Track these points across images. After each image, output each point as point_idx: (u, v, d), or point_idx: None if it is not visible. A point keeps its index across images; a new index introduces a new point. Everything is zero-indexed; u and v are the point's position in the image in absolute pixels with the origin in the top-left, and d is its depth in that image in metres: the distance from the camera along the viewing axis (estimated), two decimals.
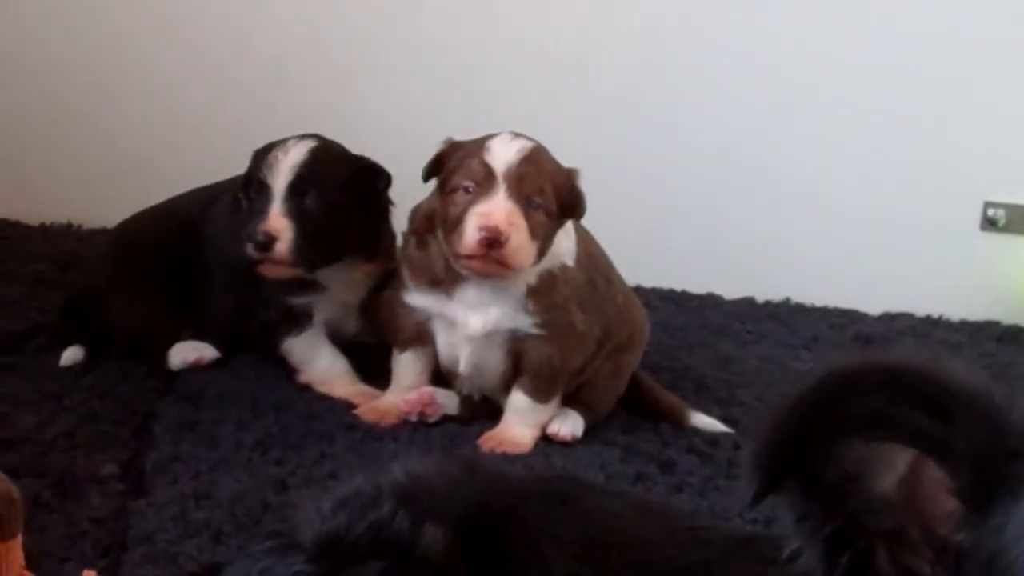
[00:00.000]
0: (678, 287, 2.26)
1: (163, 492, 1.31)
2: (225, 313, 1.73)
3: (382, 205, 1.68)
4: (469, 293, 1.53)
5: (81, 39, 2.31)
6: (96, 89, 2.32)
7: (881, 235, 2.27)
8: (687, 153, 2.28)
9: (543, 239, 1.50)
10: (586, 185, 1.54)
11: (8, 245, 2.15)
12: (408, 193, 1.64)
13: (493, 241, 1.44)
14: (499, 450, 1.51)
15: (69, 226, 2.30)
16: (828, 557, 0.60)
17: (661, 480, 1.44)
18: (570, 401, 1.61)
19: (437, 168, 1.53)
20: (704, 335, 2.02)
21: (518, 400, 1.56)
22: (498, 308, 1.53)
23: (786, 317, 2.17)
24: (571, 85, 2.26)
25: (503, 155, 1.48)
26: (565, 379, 1.58)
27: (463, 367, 1.57)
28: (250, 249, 1.55)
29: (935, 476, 0.59)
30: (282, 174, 1.57)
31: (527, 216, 1.47)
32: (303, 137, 1.62)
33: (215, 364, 1.70)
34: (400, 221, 1.67)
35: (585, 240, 1.62)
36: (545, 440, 1.57)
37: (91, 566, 1.09)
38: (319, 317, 1.69)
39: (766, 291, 2.27)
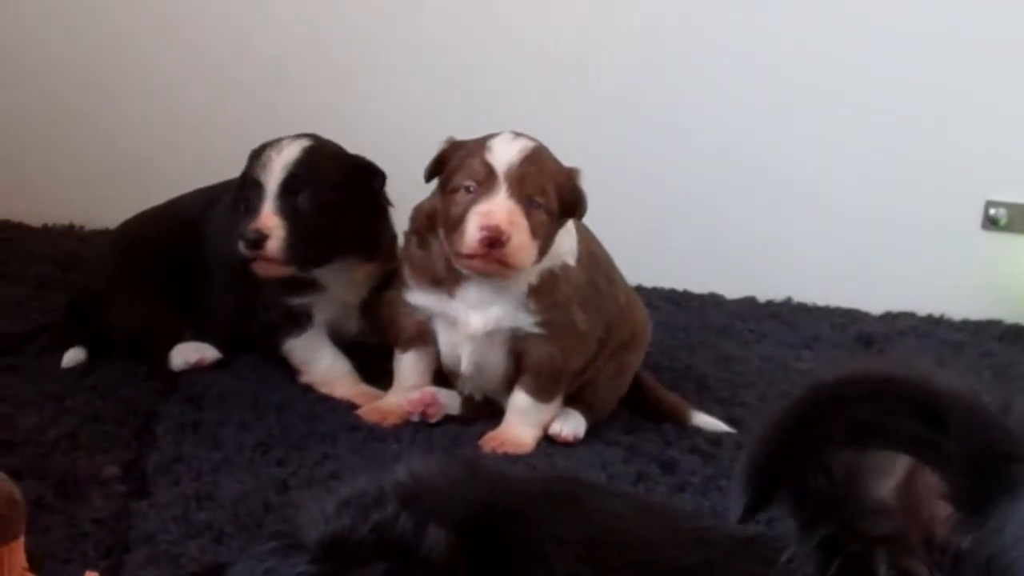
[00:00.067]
0: (679, 287, 2.26)
1: (165, 493, 1.31)
2: (226, 314, 1.73)
3: (379, 204, 1.68)
4: (470, 292, 1.54)
5: (82, 39, 2.31)
6: (97, 90, 2.32)
7: (882, 234, 2.27)
8: (688, 153, 2.28)
9: (544, 238, 1.50)
10: (587, 185, 1.54)
11: (10, 246, 2.15)
12: (408, 193, 1.64)
13: (494, 240, 1.44)
14: (501, 450, 1.51)
15: (71, 227, 2.30)
16: (821, 561, 0.61)
17: (663, 480, 1.44)
18: (572, 401, 1.61)
19: (439, 168, 1.53)
20: (706, 335, 2.02)
21: (520, 400, 1.56)
22: (499, 307, 1.53)
23: (788, 317, 2.17)
24: (571, 85, 2.27)
25: (504, 155, 1.48)
26: (567, 379, 1.58)
27: (465, 367, 1.57)
28: (242, 247, 1.56)
29: (931, 481, 0.60)
30: (275, 173, 1.57)
31: (528, 216, 1.47)
32: (298, 136, 1.62)
33: (217, 365, 1.70)
34: (401, 221, 1.67)
35: (587, 239, 1.62)
36: (547, 440, 1.57)
37: (93, 567, 1.09)
38: (320, 317, 1.69)
39: (768, 291, 2.27)
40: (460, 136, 1.55)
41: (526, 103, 2.20)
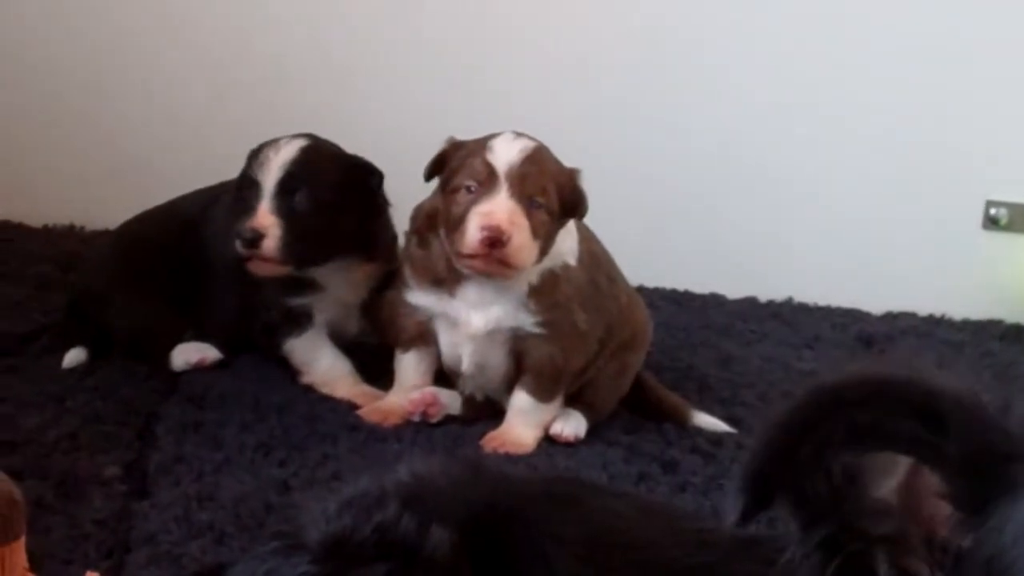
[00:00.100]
0: (680, 287, 2.26)
1: (166, 493, 1.31)
2: (226, 314, 1.73)
3: (377, 204, 1.68)
4: (471, 292, 1.53)
5: (82, 40, 2.31)
6: (97, 90, 2.32)
7: (883, 235, 2.27)
8: (688, 153, 2.28)
9: (545, 238, 1.50)
10: (587, 186, 1.54)
11: (10, 247, 2.15)
12: (409, 193, 1.64)
13: (495, 240, 1.44)
14: (502, 450, 1.51)
15: (71, 227, 2.30)
16: (821, 561, 0.61)
17: (664, 480, 1.44)
18: (573, 401, 1.61)
19: (439, 167, 1.53)
20: (707, 335, 2.02)
21: (520, 400, 1.56)
22: (500, 307, 1.53)
23: (789, 317, 2.17)
24: (571, 85, 2.26)
25: (505, 154, 1.48)
26: (567, 379, 1.58)
27: (465, 366, 1.57)
28: (238, 245, 1.56)
29: (931, 482, 0.60)
30: (272, 172, 1.57)
31: (529, 216, 1.47)
32: (296, 136, 1.63)
33: (218, 365, 1.70)
34: (401, 221, 1.67)
35: (588, 239, 1.62)
36: (548, 440, 1.57)
37: (94, 568, 1.09)
38: (320, 318, 1.69)
39: (769, 291, 2.27)
40: (460, 136, 1.54)
41: (526, 103, 2.20)
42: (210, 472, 1.37)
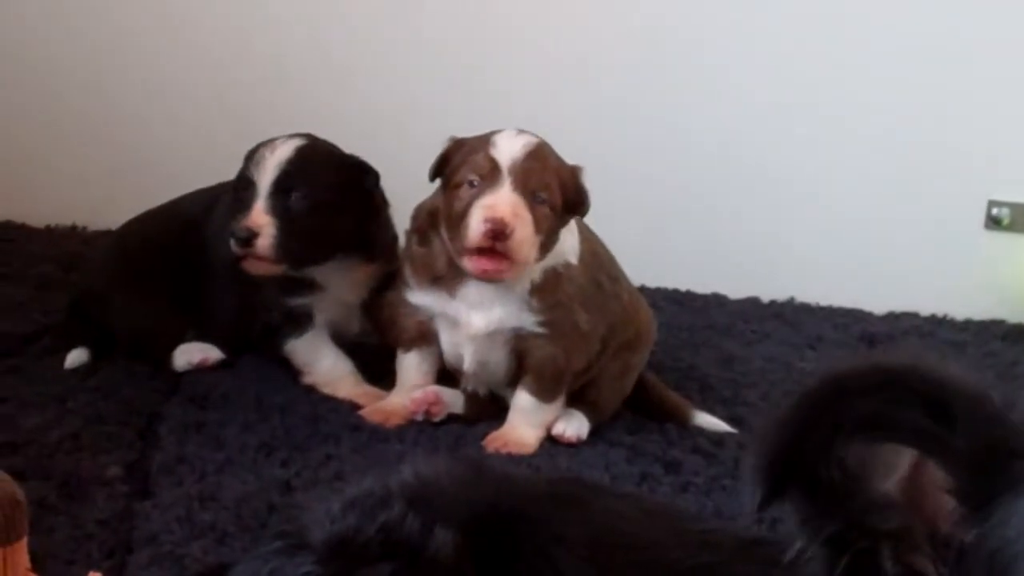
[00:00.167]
0: (682, 287, 2.26)
1: (168, 494, 1.31)
2: (228, 314, 1.73)
3: (374, 204, 1.67)
4: (471, 291, 1.53)
5: (83, 40, 2.31)
6: (98, 90, 2.32)
7: (885, 234, 2.27)
8: (690, 153, 2.28)
9: (548, 234, 1.49)
10: (588, 186, 1.54)
11: (12, 247, 2.16)
12: (409, 193, 1.63)
13: (498, 233, 1.43)
14: (504, 451, 1.51)
15: (73, 228, 2.30)
16: (829, 558, 0.61)
17: (666, 480, 1.44)
18: (576, 401, 1.61)
19: (443, 166, 1.53)
20: (709, 335, 2.02)
21: (523, 400, 1.56)
22: (501, 307, 1.53)
23: (791, 317, 2.17)
24: (571, 85, 2.26)
25: (508, 149, 1.48)
26: (569, 379, 1.58)
27: (467, 366, 1.57)
28: (233, 244, 1.56)
29: (936, 476, 0.60)
30: (267, 171, 1.58)
31: (532, 210, 1.46)
32: (292, 136, 1.63)
33: (220, 365, 1.70)
34: (401, 221, 1.67)
35: (589, 239, 1.61)
36: (550, 441, 1.57)
37: (97, 568, 1.09)
38: (321, 318, 1.69)
39: (770, 291, 2.27)
40: (461, 136, 1.54)
41: (526, 103, 2.20)
42: (212, 472, 1.37)
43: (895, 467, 0.61)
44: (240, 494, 1.31)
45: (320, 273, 1.66)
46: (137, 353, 1.70)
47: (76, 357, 1.66)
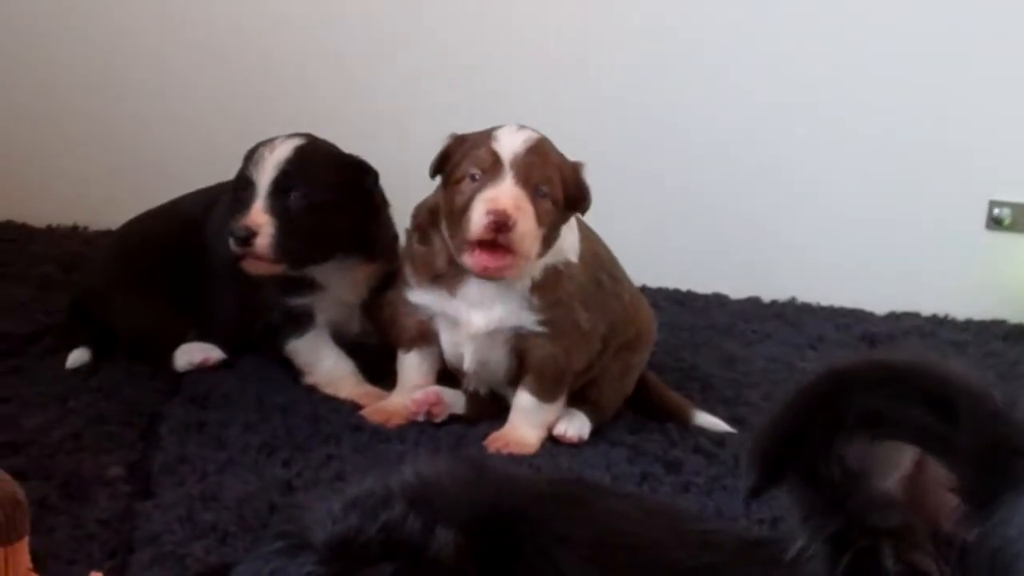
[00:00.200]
0: (684, 287, 2.26)
1: (170, 494, 1.31)
2: (228, 314, 1.73)
3: (374, 204, 1.67)
4: (472, 290, 1.53)
5: (84, 40, 2.31)
6: (99, 90, 2.32)
7: (887, 234, 2.27)
8: (690, 154, 2.27)
9: (549, 227, 1.49)
10: (589, 184, 1.54)
11: (14, 247, 2.15)
12: (409, 193, 1.63)
13: (501, 225, 1.42)
14: (505, 451, 1.51)
15: (75, 228, 2.30)
16: (831, 556, 0.61)
17: (667, 480, 1.44)
18: (577, 401, 1.61)
19: (444, 163, 1.53)
20: (710, 335, 2.02)
21: (524, 400, 1.56)
22: (502, 305, 1.53)
23: (792, 317, 2.17)
24: (571, 85, 2.26)
25: (510, 143, 1.48)
26: (570, 379, 1.58)
27: (467, 365, 1.57)
28: (231, 244, 1.56)
29: (938, 474, 0.60)
30: (267, 171, 1.58)
31: (534, 203, 1.46)
32: (291, 136, 1.63)
33: (221, 365, 1.70)
34: (402, 220, 1.67)
35: (590, 239, 1.61)
36: (551, 441, 1.57)
37: (98, 568, 1.09)
38: (321, 318, 1.69)
39: (772, 291, 2.27)
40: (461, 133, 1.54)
41: (526, 103, 2.20)
42: (214, 472, 1.37)
43: (897, 465, 0.61)
44: (241, 494, 1.31)
45: (320, 273, 1.66)
46: (138, 353, 1.70)
47: (77, 357, 1.66)
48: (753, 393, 1.75)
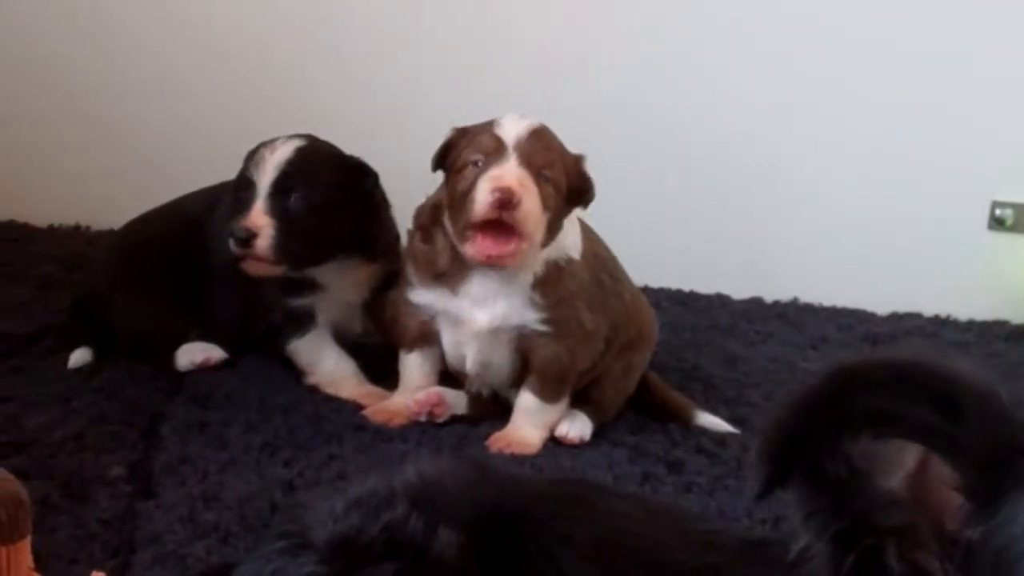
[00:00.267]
0: (686, 287, 2.26)
1: (171, 493, 1.31)
2: (230, 314, 1.73)
3: (374, 204, 1.67)
4: (474, 288, 1.52)
5: (85, 39, 2.31)
6: (101, 90, 2.33)
7: (889, 235, 2.27)
8: (692, 154, 2.27)
9: (553, 213, 1.48)
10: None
11: (16, 247, 2.16)
12: (410, 193, 1.63)
13: (506, 202, 1.42)
14: (508, 451, 1.51)
15: (77, 228, 2.31)
16: (835, 556, 0.61)
17: (669, 480, 1.43)
18: (578, 401, 1.61)
19: (445, 156, 1.52)
20: (712, 335, 2.02)
21: (526, 401, 1.56)
22: (505, 303, 1.52)
23: (794, 317, 2.17)
24: (571, 85, 2.26)
25: (513, 128, 1.48)
26: (573, 379, 1.58)
27: (470, 365, 1.56)
28: (232, 245, 1.56)
29: (942, 472, 0.60)
30: (267, 172, 1.58)
31: (538, 186, 1.46)
32: (292, 137, 1.63)
33: (223, 365, 1.70)
34: (403, 221, 1.67)
35: (591, 240, 1.61)
36: (553, 441, 1.57)
37: (100, 568, 1.09)
38: (323, 318, 1.69)
39: (774, 291, 2.27)
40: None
41: (526, 103, 2.17)
42: (215, 472, 1.37)
43: (901, 463, 0.61)
44: (243, 494, 1.31)
45: (321, 273, 1.66)
46: (140, 353, 1.70)
47: (79, 357, 1.66)
48: (755, 393, 1.75)
